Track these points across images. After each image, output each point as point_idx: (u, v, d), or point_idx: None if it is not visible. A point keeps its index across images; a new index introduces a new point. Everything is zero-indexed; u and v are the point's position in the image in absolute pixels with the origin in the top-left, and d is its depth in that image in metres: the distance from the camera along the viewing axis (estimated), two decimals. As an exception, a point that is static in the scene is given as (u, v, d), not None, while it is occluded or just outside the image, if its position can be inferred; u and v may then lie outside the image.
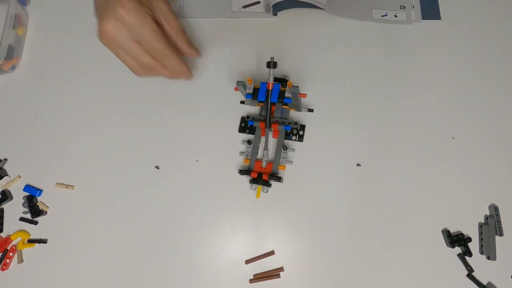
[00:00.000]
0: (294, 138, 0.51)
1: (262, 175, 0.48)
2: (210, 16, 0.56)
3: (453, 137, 0.51)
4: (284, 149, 0.49)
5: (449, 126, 0.52)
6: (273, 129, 0.49)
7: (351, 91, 0.53)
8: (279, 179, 0.48)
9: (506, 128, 0.52)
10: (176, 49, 0.42)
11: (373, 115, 0.52)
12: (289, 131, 0.50)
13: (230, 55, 0.55)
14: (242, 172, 0.49)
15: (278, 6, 0.53)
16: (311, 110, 0.51)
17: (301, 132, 0.51)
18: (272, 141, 0.51)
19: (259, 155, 0.50)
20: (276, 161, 0.49)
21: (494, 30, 0.55)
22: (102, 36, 0.38)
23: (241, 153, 0.50)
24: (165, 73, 0.42)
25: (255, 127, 0.50)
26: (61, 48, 0.56)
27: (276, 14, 0.55)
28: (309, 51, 0.55)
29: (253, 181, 0.48)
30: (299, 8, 0.53)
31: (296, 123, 0.50)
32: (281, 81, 0.52)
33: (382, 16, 0.55)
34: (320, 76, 0.54)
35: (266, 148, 0.49)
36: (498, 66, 0.54)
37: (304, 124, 0.51)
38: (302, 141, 0.51)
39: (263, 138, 0.50)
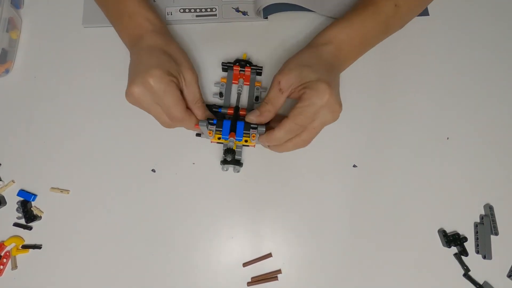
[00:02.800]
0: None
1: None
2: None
3: (447, 138, 0.52)
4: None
5: (444, 126, 0.52)
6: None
7: (346, 92, 0.53)
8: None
9: (501, 128, 0.52)
10: (191, 114, 0.46)
11: (368, 116, 0.53)
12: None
13: (223, 58, 0.54)
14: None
15: (268, 10, 0.53)
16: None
17: None
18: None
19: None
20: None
21: (484, 26, 0.56)
22: (128, 96, 0.42)
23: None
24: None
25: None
26: (55, 51, 0.55)
27: (266, 18, 0.55)
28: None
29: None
30: (290, 11, 0.54)
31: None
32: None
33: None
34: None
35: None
36: (491, 64, 0.54)
37: None
38: None
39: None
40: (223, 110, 0.50)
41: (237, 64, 0.52)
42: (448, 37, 0.56)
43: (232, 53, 0.55)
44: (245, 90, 0.52)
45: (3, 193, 0.51)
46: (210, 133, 0.45)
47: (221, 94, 0.52)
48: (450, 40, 0.55)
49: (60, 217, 0.50)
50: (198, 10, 0.56)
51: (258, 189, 0.50)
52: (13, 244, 0.49)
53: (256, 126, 0.45)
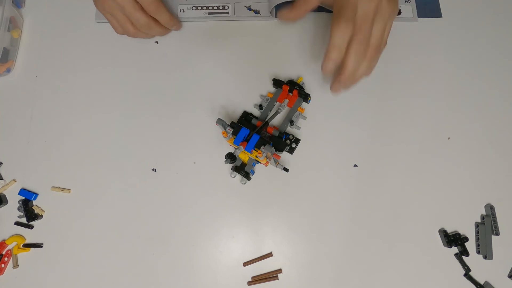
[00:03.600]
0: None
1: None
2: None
3: (449, 138, 0.52)
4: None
5: (445, 126, 0.52)
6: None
7: (349, 92, 0.53)
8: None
9: (502, 128, 0.52)
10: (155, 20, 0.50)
11: (370, 116, 0.53)
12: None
13: (230, 57, 0.54)
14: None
15: (280, 8, 0.53)
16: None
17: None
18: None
19: None
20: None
21: (494, 29, 0.56)
22: (96, 2, 0.49)
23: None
24: (145, 35, 0.52)
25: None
26: (57, 50, 0.55)
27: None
28: (310, 52, 0.55)
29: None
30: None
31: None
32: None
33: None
34: (320, 77, 0.54)
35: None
36: (494, 64, 0.54)
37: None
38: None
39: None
40: (253, 122, 0.50)
41: (288, 84, 0.51)
42: (456, 38, 0.55)
43: (243, 52, 0.55)
44: (285, 111, 0.52)
45: (5, 192, 0.51)
46: (224, 134, 0.45)
47: (261, 107, 0.51)
48: (457, 41, 0.55)
49: (61, 216, 0.50)
50: (210, 8, 0.56)
51: (258, 188, 0.50)
52: (14, 243, 0.49)
53: (267, 143, 0.44)
